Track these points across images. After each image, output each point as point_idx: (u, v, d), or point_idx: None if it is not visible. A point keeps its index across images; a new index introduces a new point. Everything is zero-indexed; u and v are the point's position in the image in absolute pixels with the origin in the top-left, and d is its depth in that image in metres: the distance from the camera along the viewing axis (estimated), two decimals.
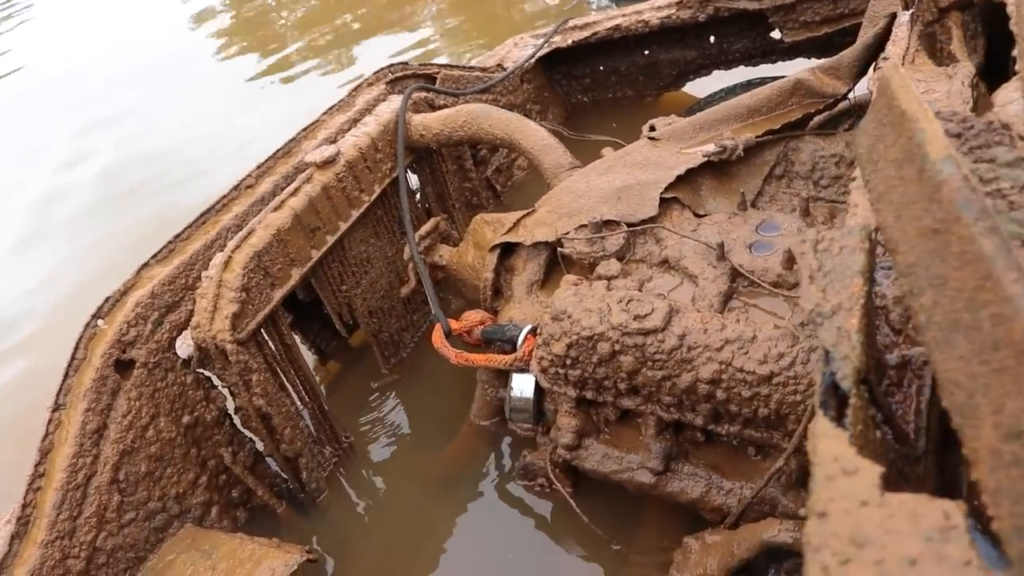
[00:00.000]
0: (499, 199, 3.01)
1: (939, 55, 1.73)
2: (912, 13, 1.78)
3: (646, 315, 1.64)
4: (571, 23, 3.18)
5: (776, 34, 3.02)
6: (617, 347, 1.66)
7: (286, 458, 2.09)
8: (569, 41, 3.12)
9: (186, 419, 1.97)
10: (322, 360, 2.59)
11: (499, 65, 3.02)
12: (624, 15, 3.08)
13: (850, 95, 2.17)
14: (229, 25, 7.18)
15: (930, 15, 1.73)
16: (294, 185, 2.10)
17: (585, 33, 3.11)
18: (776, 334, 1.59)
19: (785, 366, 1.55)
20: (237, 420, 2.08)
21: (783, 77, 2.27)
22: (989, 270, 0.65)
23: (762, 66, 3.16)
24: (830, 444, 0.75)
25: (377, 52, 5.40)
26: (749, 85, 2.92)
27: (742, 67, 3.20)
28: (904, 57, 1.65)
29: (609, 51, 3.26)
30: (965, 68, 1.55)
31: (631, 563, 1.86)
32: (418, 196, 2.67)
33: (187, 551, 1.88)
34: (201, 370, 2.00)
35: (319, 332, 2.54)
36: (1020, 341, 0.62)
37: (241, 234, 1.96)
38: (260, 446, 2.12)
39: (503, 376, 2.19)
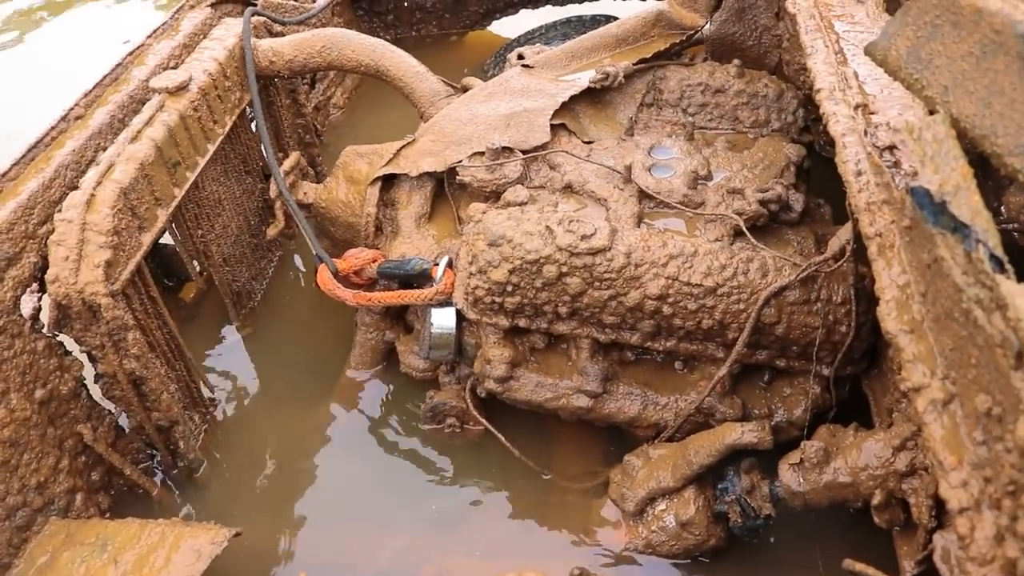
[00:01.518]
0: (320, 139, 2.80)
1: None
2: None
3: (591, 235, 1.62)
4: None
5: None
6: (564, 269, 1.62)
7: (159, 428, 1.82)
8: None
9: (39, 393, 1.64)
10: None
11: None
12: None
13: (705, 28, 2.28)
14: None
15: None
16: (146, 114, 1.80)
17: None
18: (714, 247, 1.64)
19: (728, 277, 1.61)
20: (96, 390, 1.78)
21: (587, 16, 2.29)
22: None
23: (569, 5, 3.21)
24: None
25: None
26: (568, 24, 2.96)
27: (549, 6, 3.23)
28: None
29: None
30: None
31: (562, 490, 1.84)
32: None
33: (67, 548, 1.57)
34: (57, 332, 1.67)
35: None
36: None
37: (100, 168, 1.65)
38: (123, 419, 1.83)
39: (389, 318, 2.07)
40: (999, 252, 0.87)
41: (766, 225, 1.72)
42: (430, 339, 1.82)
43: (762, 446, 1.56)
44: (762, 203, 1.71)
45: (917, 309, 1.02)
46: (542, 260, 1.62)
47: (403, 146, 2.02)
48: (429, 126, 2.04)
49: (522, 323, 1.74)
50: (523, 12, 3.26)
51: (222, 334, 2.27)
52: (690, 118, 2.10)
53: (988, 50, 0.93)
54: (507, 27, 3.33)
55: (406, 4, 3.23)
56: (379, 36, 3.23)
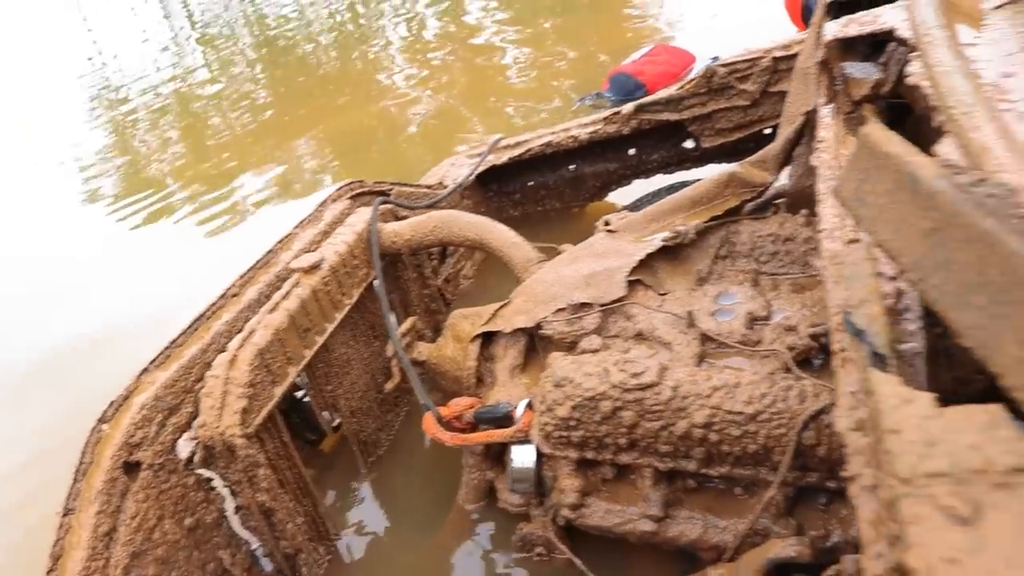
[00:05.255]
0: (448, 307, 3.16)
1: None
2: (834, 106, 2.09)
3: (641, 372, 1.81)
4: (503, 142, 3.45)
5: (689, 144, 3.37)
6: (618, 403, 1.82)
7: (286, 556, 2.10)
8: (504, 159, 3.38)
9: (188, 521, 1.98)
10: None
11: (440, 183, 3.24)
12: (553, 132, 3.38)
13: (775, 183, 2.48)
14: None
15: (847, 107, 2.04)
16: (284, 289, 2.21)
17: (519, 151, 3.38)
18: (756, 378, 1.79)
19: (768, 404, 1.74)
20: (236, 521, 2.10)
21: (690, 180, 2.53)
22: (991, 239, 0.86)
23: (677, 173, 3.49)
24: (887, 387, 0.94)
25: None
26: (671, 190, 3.24)
27: (659, 175, 3.53)
28: (836, 138, 1.94)
29: (538, 167, 3.55)
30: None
31: None
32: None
33: None
34: (203, 470, 2.02)
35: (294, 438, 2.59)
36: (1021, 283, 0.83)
37: (242, 335, 2.04)
38: (257, 546, 2.13)
39: (489, 459, 2.30)
40: (884, 351, 1.02)
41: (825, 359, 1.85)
42: (512, 473, 2.03)
43: (801, 559, 1.64)
44: (813, 337, 1.86)
45: (863, 411, 1.16)
46: (598, 396, 1.83)
47: (500, 307, 2.32)
48: (522, 288, 2.34)
49: (590, 455, 1.92)
50: (636, 182, 3.57)
51: (352, 480, 2.57)
52: (763, 266, 2.27)
53: (896, 186, 1.12)
54: (624, 196, 3.64)
55: (531, 184, 3.62)
56: (509, 213, 3.69)
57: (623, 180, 3.57)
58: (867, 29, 2.04)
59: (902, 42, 1.89)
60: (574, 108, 5.28)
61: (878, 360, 1.02)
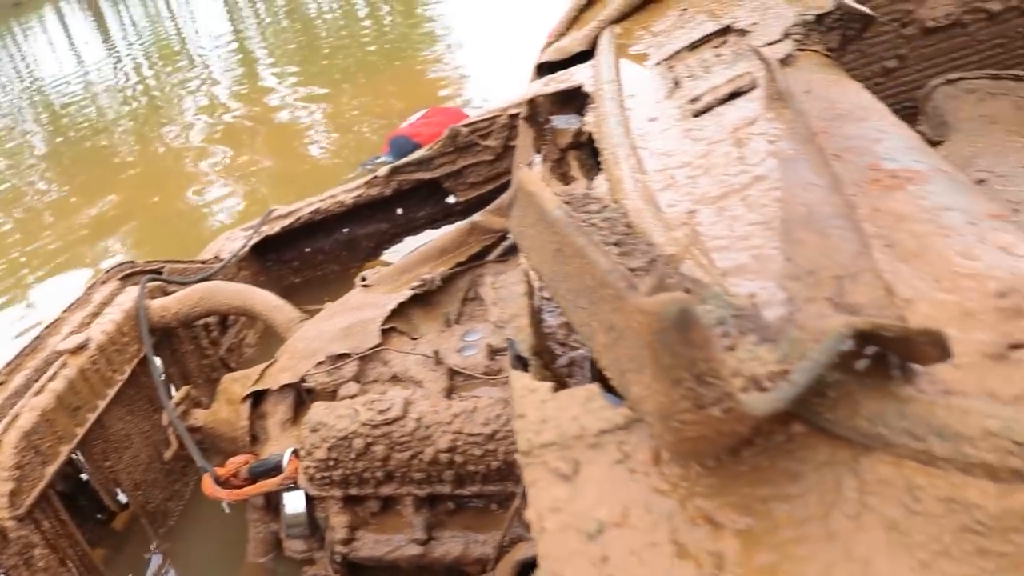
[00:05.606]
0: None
1: (567, 180, 2.37)
2: (543, 154, 2.43)
3: (387, 408, 2.04)
4: (275, 213, 3.63)
5: (451, 199, 3.67)
6: (369, 439, 2.03)
7: None
8: (277, 228, 3.56)
9: None
10: (90, 544, 2.66)
11: (216, 257, 3.37)
12: (321, 199, 3.59)
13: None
14: None
15: (555, 154, 2.38)
16: (51, 371, 2.29)
17: (289, 220, 3.57)
18: (491, 402, 2.06)
19: (503, 423, 2.01)
20: None
21: None
22: (584, 254, 1.15)
23: (444, 227, 3.79)
24: (519, 381, 1.20)
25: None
26: None
27: (428, 231, 3.81)
28: (544, 183, 2.27)
29: (312, 233, 3.74)
30: (582, 183, 2.19)
31: None
32: (163, 376, 2.90)
33: None
34: None
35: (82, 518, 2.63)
36: (600, 285, 1.12)
37: (6, 419, 2.11)
38: None
39: (271, 511, 2.45)
40: (526, 354, 1.30)
41: None
42: (285, 519, 2.20)
43: None
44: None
45: None
46: (350, 435, 2.03)
47: (267, 367, 2.49)
48: (286, 347, 2.52)
49: (353, 491, 2.12)
50: (408, 239, 3.83)
51: (145, 552, 2.64)
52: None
53: (538, 219, 1.40)
54: (399, 253, 3.89)
55: (308, 250, 3.81)
56: (289, 280, 3.86)
57: (395, 239, 3.83)
58: (562, 86, 2.40)
59: (586, 96, 2.24)
60: (353, 174, 5.51)
61: (520, 362, 1.29)
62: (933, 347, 0.90)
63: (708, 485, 1.02)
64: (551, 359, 1.46)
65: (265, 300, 2.68)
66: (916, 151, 1.50)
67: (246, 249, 3.45)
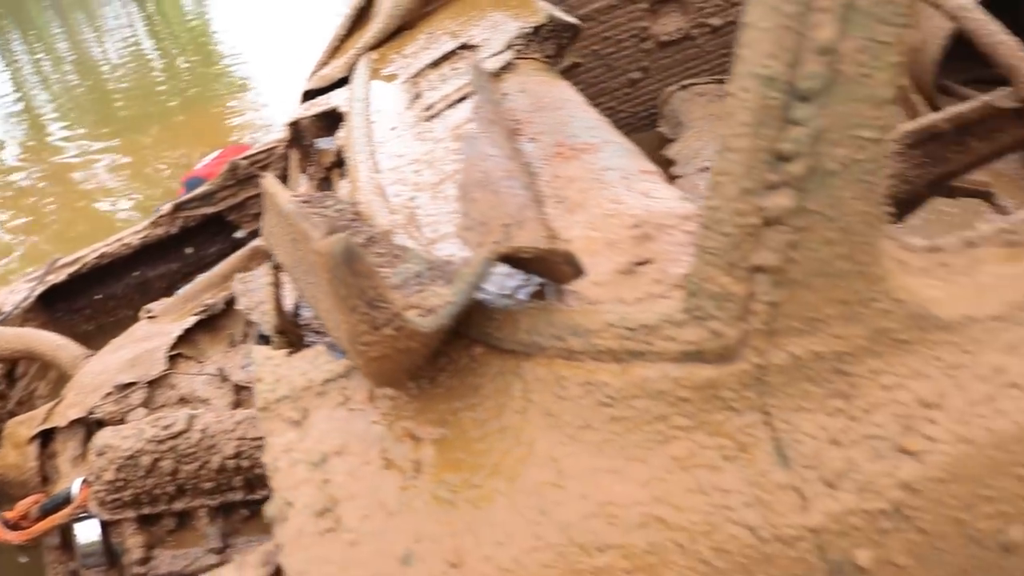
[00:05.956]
0: None
1: None
2: (308, 175, 2.59)
3: (172, 423, 2.12)
4: (60, 262, 3.58)
5: (240, 232, 3.74)
6: (156, 455, 2.10)
7: None
8: (64, 276, 3.51)
9: None
10: None
11: None
12: (107, 244, 3.58)
13: None
14: None
15: (320, 173, 2.54)
16: None
17: (76, 267, 3.53)
18: None
19: None
20: None
21: None
22: (305, 237, 1.32)
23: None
24: (261, 352, 1.36)
25: None
26: None
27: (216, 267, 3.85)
28: None
29: (102, 279, 3.71)
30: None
31: None
32: None
33: None
34: None
35: None
36: (314, 263, 1.29)
37: None
38: None
39: (68, 549, 2.44)
40: (269, 333, 1.45)
41: None
42: (80, 551, 2.22)
43: None
44: None
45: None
46: (137, 453, 2.10)
47: (54, 405, 2.50)
48: (73, 383, 2.54)
49: (146, 510, 2.18)
50: (200, 276, 3.86)
51: None
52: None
53: (278, 218, 1.55)
54: None
55: (99, 297, 3.77)
56: (82, 328, 3.79)
57: (187, 277, 3.81)
58: (319, 109, 2.57)
59: (340, 115, 2.42)
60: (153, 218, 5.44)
61: (263, 340, 1.44)
62: (568, 265, 1.14)
63: (412, 408, 1.22)
64: (296, 338, 1.62)
65: (48, 340, 2.68)
66: (595, 129, 1.78)
67: (31, 300, 3.39)
